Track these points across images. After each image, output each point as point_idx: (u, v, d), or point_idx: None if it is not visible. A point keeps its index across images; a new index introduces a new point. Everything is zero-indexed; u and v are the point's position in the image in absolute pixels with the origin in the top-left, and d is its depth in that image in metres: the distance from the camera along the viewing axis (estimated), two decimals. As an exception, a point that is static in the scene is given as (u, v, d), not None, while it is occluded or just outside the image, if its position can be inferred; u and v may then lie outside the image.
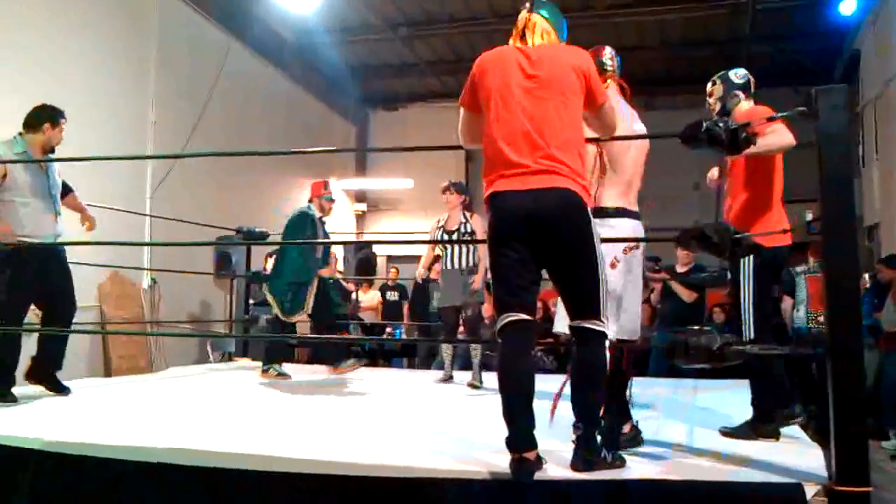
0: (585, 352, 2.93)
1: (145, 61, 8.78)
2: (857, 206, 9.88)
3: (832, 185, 2.80)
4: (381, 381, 6.60)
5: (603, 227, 3.34)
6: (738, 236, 3.19)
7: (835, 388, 2.68)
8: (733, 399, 4.70)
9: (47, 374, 4.90)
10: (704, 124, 3.06)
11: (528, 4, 3.16)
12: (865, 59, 10.99)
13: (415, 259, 12.79)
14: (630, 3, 10.50)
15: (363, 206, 15.34)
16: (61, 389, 4.90)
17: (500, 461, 2.90)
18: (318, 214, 6.35)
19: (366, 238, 15.00)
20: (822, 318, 7.68)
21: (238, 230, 8.27)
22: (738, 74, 3.97)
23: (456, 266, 6.34)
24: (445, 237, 6.39)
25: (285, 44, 12.10)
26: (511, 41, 3.14)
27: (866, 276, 7.52)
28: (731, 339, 3.01)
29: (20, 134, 4.83)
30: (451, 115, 14.36)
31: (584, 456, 2.86)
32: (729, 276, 4.03)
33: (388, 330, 10.93)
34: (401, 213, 15.10)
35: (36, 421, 3.96)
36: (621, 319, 3.44)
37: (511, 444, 2.79)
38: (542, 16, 3.12)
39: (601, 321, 2.91)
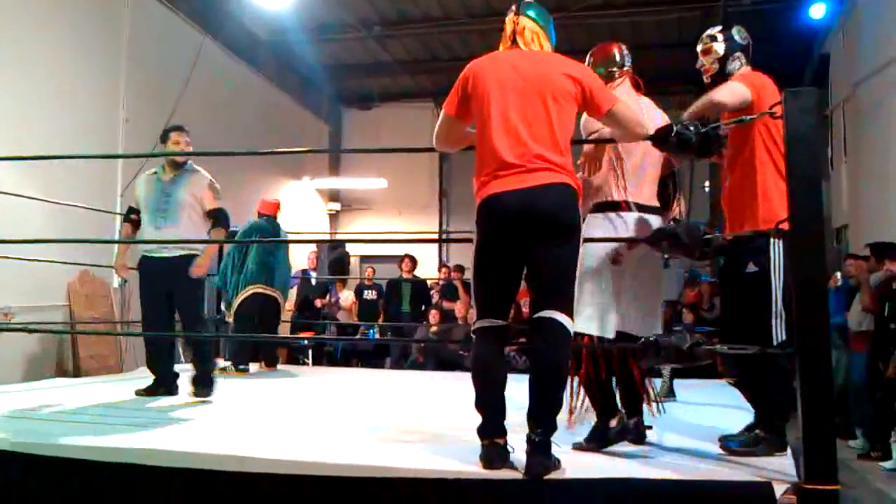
0: (547, 352, 2.91)
1: (116, 58, 8.67)
2: (826, 207, 10.00)
3: (800, 187, 2.84)
4: (354, 381, 6.59)
5: (614, 221, 3.39)
6: (707, 237, 3.21)
7: (803, 387, 2.71)
8: (705, 398, 4.74)
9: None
10: (675, 128, 3.09)
11: (514, 7, 3.21)
12: (835, 62, 11.14)
13: (389, 259, 12.83)
14: (603, 4, 10.55)
15: (337, 206, 15.28)
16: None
17: (473, 459, 2.93)
18: None
19: (339, 237, 14.95)
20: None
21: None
22: (741, 34, 3.65)
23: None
24: None
25: (259, 42, 12.02)
26: (501, 46, 3.19)
27: (837, 274, 7.60)
28: (700, 339, 3.03)
29: None
30: (425, 114, 14.42)
31: (542, 461, 2.82)
32: (705, 276, 4.02)
33: (362, 330, 10.90)
34: (374, 213, 15.06)
35: (7, 423, 3.90)
36: (618, 313, 3.40)
37: (483, 431, 2.95)
38: (529, 17, 3.18)
39: (569, 317, 2.92)
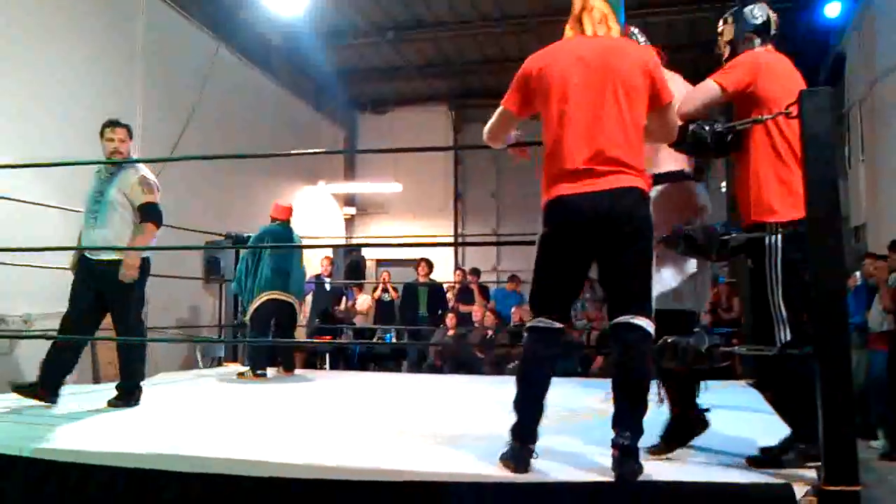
0: (633, 362, 2.84)
1: (132, 65, 8.75)
2: (844, 206, 9.94)
3: (817, 187, 2.82)
4: (372, 385, 6.60)
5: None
6: (724, 237, 3.18)
7: (822, 388, 2.69)
8: (722, 400, 4.71)
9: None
10: (690, 127, 3.07)
11: None
12: (850, 61, 11.06)
13: (404, 262, 12.85)
14: (615, 6, 10.52)
15: (352, 210, 15.33)
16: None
17: (491, 462, 2.93)
18: None
19: (355, 241, 14.99)
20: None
21: (227, 235, 8.25)
22: (754, 13, 3.34)
23: None
24: None
25: (273, 48, 12.09)
26: (567, 28, 3.04)
27: (857, 274, 7.54)
28: (719, 341, 3.02)
29: None
30: (440, 118, 14.43)
31: (634, 465, 2.76)
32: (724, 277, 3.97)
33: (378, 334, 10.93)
34: (390, 217, 15.08)
35: (25, 428, 3.93)
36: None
37: (515, 433, 2.91)
38: None
39: (650, 320, 2.86)
